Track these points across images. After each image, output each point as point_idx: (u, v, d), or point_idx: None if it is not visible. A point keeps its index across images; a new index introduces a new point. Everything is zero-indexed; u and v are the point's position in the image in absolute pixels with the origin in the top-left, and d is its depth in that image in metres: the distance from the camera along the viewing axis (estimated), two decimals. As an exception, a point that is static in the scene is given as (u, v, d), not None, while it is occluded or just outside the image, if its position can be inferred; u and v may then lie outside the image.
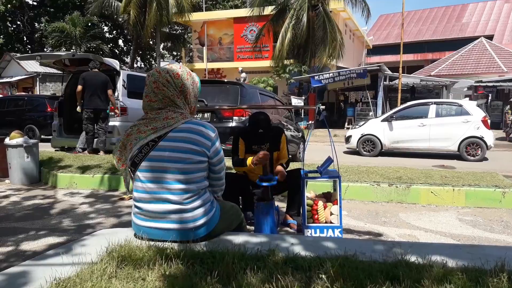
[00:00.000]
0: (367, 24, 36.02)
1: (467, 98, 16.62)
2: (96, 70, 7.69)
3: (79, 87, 7.54)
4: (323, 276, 1.63)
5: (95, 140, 7.80)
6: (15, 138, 5.85)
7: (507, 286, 1.58)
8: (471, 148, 9.80)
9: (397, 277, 1.66)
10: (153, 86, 2.13)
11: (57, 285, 1.60)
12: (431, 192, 4.83)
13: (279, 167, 3.63)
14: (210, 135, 2.14)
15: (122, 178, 2.30)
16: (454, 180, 5.13)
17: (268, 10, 22.14)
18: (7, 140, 5.90)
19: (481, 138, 9.70)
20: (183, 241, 2.07)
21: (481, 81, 20.37)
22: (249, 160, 3.42)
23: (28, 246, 3.20)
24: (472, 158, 9.74)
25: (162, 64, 27.34)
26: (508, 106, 16.10)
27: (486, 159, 9.95)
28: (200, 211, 2.11)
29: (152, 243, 2.02)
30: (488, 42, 27.30)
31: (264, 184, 3.17)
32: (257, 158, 3.23)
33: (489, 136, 9.76)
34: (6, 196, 5.10)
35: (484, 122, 9.84)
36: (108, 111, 7.71)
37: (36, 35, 34.73)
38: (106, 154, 7.49)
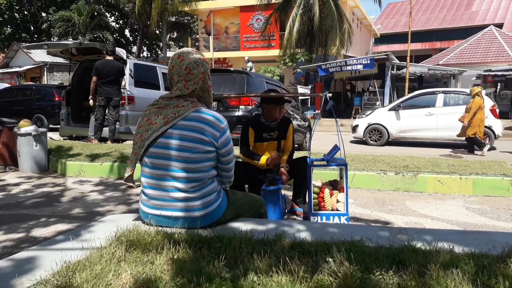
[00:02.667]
0: (380, 8, 35.55)
1: (476, 87, 16.38)
2: (110, 57, 7.68)
3: (94, 78, 7.53)
4: (330, 260, 1.64)
5: (105, 129, 7.83)
6: (24, 127, 5.90)
7: (514, 271, 1.58)
8: (479, 138, 9.73)
9: (404, 262, 1.67)
10: (185, 72, 2.13)
11: (67, 268, 1.63)
12: (438, 180, 4.81)
13: (282, 170, 3.65)
14: (219, 126, 2.12)
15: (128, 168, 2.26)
16: (461, 168, 5.11)
17: (274, -2, 21.96)
18: (16, 129, 5.94)
19: (489, 128, 9.62)
20: (190, 228, 2.09)
21: (490, 70, 20.13)
22: (263, 159, 3.51)
23: (39, 232, 3.24)
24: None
25: (169, 54, 27.30)
26: None
27: (494, 148, 9.88)
28: (206, 200, 2.11)
29: (160, 228, 2.05)
30: (497, 30, 26.85)
31: (271, 188, 3.28)
32: (271, 160, 3.49)
33: (497, 126, 9.69)
34: (16, 184, 5.16)
35: (492, 111, 9.77)
36: (118, 99, 7.69)
37: (43, 25, 34.75)
38: (114, 143, 7.53)
